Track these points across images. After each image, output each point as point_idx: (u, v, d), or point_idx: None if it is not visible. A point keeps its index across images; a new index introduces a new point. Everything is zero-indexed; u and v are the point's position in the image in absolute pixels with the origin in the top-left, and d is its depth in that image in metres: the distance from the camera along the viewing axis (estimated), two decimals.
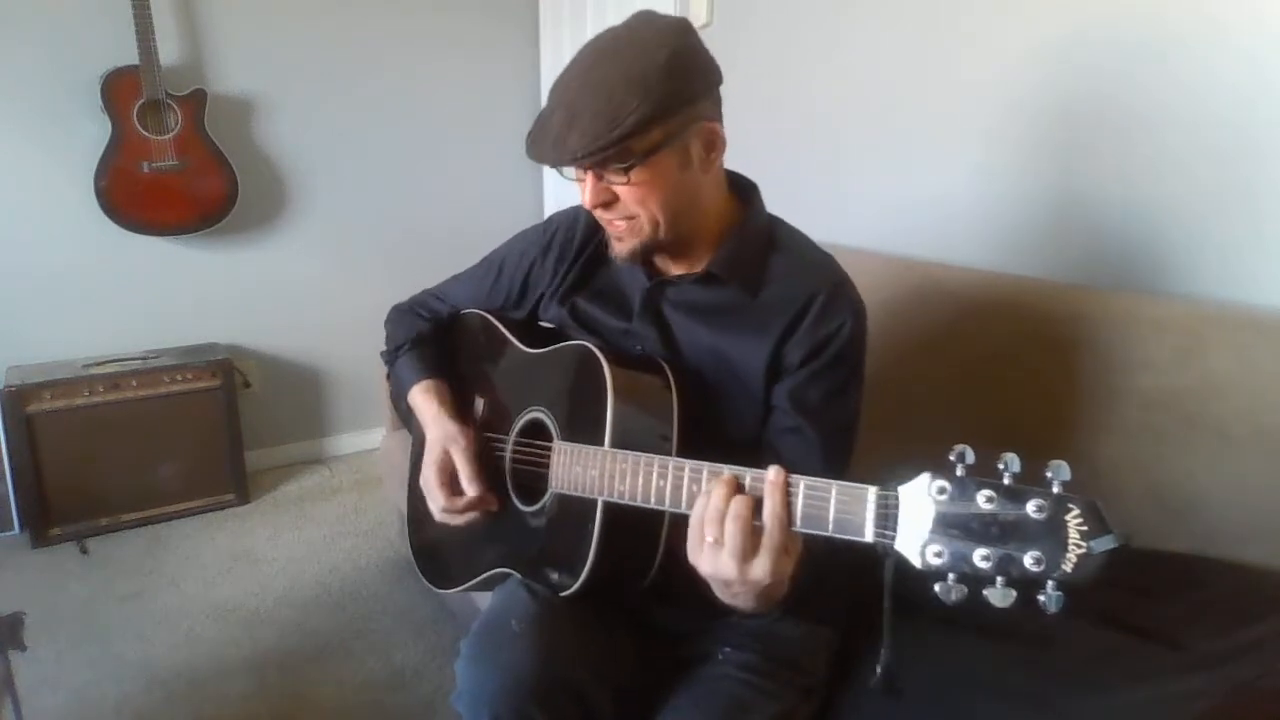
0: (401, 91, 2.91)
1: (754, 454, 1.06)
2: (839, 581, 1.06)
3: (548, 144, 0.97)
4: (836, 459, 1.05)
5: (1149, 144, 1.42)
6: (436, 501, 1.17)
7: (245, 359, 2.79)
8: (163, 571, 2.27)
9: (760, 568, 0.79)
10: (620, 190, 0.99)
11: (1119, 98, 1.46)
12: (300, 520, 2.57)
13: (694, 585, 0.87)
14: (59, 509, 2.39)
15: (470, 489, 1.15)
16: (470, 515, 1.17)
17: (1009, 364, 1.44)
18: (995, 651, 1.00)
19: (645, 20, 1.00)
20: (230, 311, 2.77)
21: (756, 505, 0.80)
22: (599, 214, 1.04)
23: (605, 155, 0.94)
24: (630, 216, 1.02)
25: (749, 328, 1.06)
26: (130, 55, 2.34)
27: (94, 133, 2.40)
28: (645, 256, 1.08)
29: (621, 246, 1.06)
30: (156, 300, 2.66)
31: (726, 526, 0.80)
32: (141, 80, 2.36)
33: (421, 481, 1.21)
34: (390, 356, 1.35)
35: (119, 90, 2.38)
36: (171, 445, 2.51)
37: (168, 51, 2.46)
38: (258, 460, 2.81)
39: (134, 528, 2.48)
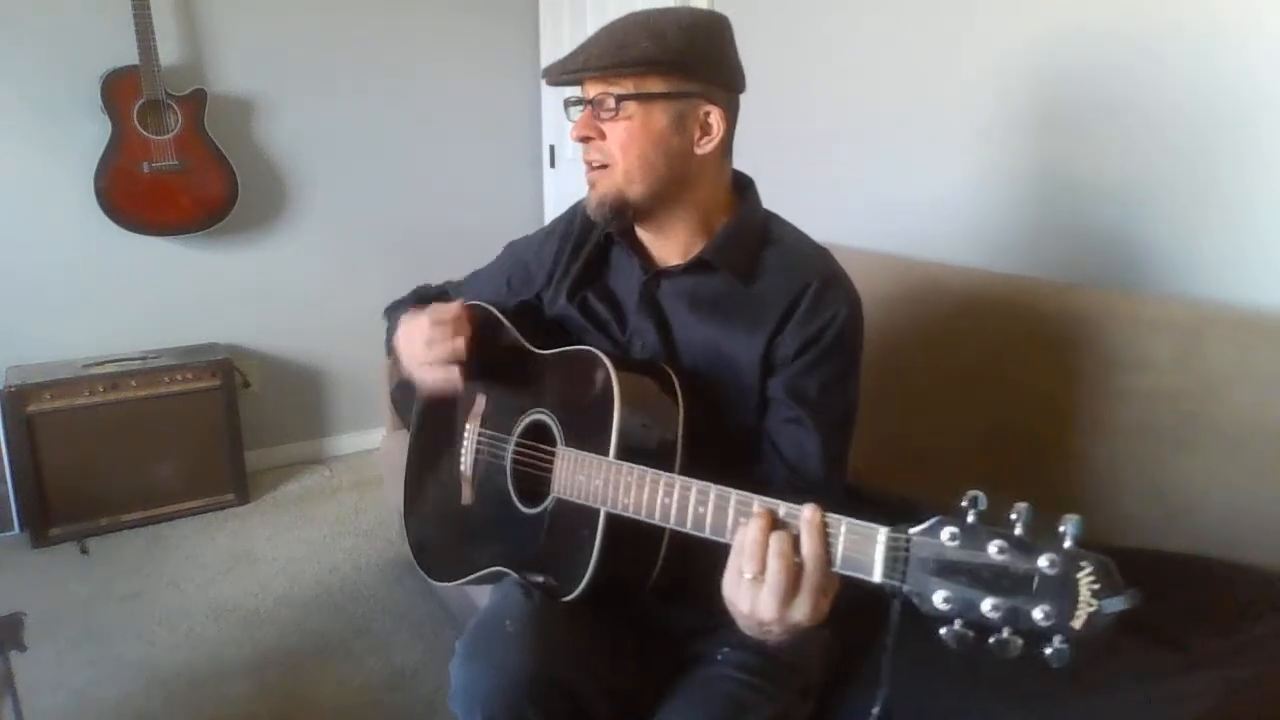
0: (401, 91, 2.91)
1: (751, 446, 1.07)
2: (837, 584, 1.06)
3: (558, 65, 1.04)
4: (836, 450, 1.06)
5: (1149, 144, 1.42)
6: (419, 327, 1.13)
7: (245, 359, 2.79)
8: (163, 571, 2.27)
9: (800, 610, 0.76)
10: (608, 128, 1.03)
11: (1119, 98, 1.46)
12: (300, 520, 2.57)
13: (694, 588, 0.87)
14: (59, 509, 2.39)
15: (449, 310, 1.13)
16: (452, 338, 1.12)
17: (1009, 364, 1.44)
18: None
19: (686, 5, 1.06)
20: (230, 311, 2.77)
21: (796, 541, 0.77)
22: (584, 151, 1.07)
23: (603, 73, 1.00)
24: (607, 163, 1.05)
25: (743, 320, 1.07)
26: (130, 55, 2.35)
27: (94, 133, 2.40)
28: (616, 214, 1.06)
29: (593, 195, 1.08)
30: (156, 300, 2.66)
31: (769, 564, 0.76)
32: (141, 80, 2.37)
33: (399, 336, 1.18)
34: (392, 309, 1.34)
35: (119, 90, 2.38)
36: (171, 445, 2.51)
37: (168, 51, 2.46)
38: (258, 460, 2.81)
39: (134, 528, 2.48)
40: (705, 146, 1.04)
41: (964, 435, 1.47)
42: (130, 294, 2.62)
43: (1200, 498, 1.20)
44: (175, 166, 2.46)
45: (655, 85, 1.00)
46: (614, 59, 0.99)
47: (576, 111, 1.06)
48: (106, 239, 2.50)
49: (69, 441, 2.37)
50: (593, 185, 1.08)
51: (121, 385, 2.43)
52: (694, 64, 1.01)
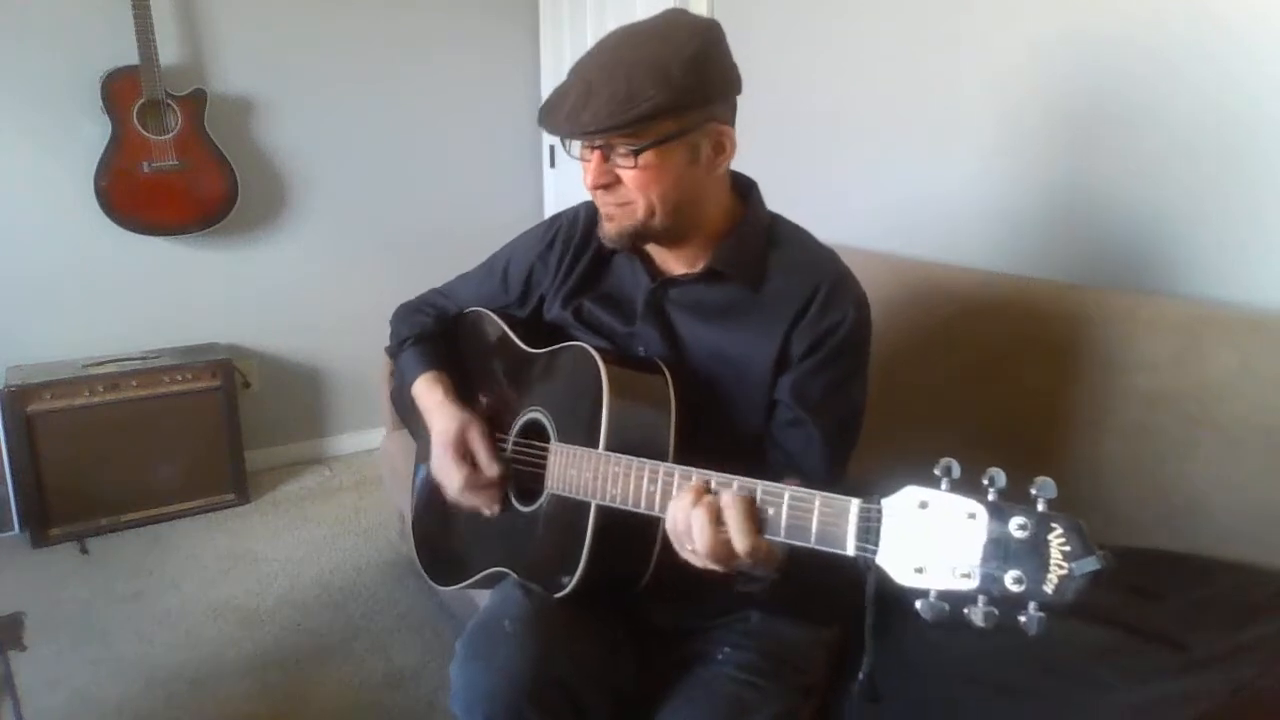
0: (401, 91, 2.91)
1: (759, 451, 1.06)
2: (837, 582, 1.06)
3: (561, 115, 0.98)
4: (838, 452, 1.06)
5: (1150, 144, 1.42)
6: (455, 479, 1.15)
7: (245, 359, 2.79)
8: (163, 571, 2.27)
9: (741, 560, 0.82)
10: (624, 174, 1.00)
11: (1120, 97, 1.46)
12: (300, 520, 2.57)
13: (693, 586, 0.87)
14: (59, 509, 2.38)
15: (490, 469, 1.15)
16: (488, 494, 1.16)
17: (1009, 364, 1.44)
18: (995, 649, 1.00)
19: (677, 15, 1.02)
20: (230, 311, 2.77)
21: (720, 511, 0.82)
22: (597, 195, 1.04)
23: (616, 134, 0.96)
24: (627, 202, 1.02)
25: (753, 325, 1.06)
26: (130, 55, 2.35)
27: (94, 133, 2.40)
28: (634, 241, 1.07)
29: (610, 226, 1.05)
30: (156, 300, 2.66)
31: (695, 536, 0.82)
32: (141, 80, 2.37)
33: (433, 466, 1.19)
34: (395, 351, 1.35)
35: (119, 90, 2.38)
36: (171, 445, 2.51)
37: (168, 51, 2.46)
38: (258, 460, 2.81)
39: (134, 528, 2.48)
40: (720, 166, 1.04)
41: (964, 435, 1.46)
42: (130, 294, 2.62)
43: (1201, 498, 1.20)
44: (175, 166, 2.46)
45: (668, 127, 0.97)
46: (623, 116, 0.93)
47: (576, 148, 1.02)
48: (106, 239, 2.50)
49: (69, 441, 2.36)
50: (610, 218, 1.05)
51: (121, 385, 2.43)
52: (702, 93, 0.97)
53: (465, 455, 1.16)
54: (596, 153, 1.00)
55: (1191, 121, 1.36)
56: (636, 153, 0.97)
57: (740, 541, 0.80)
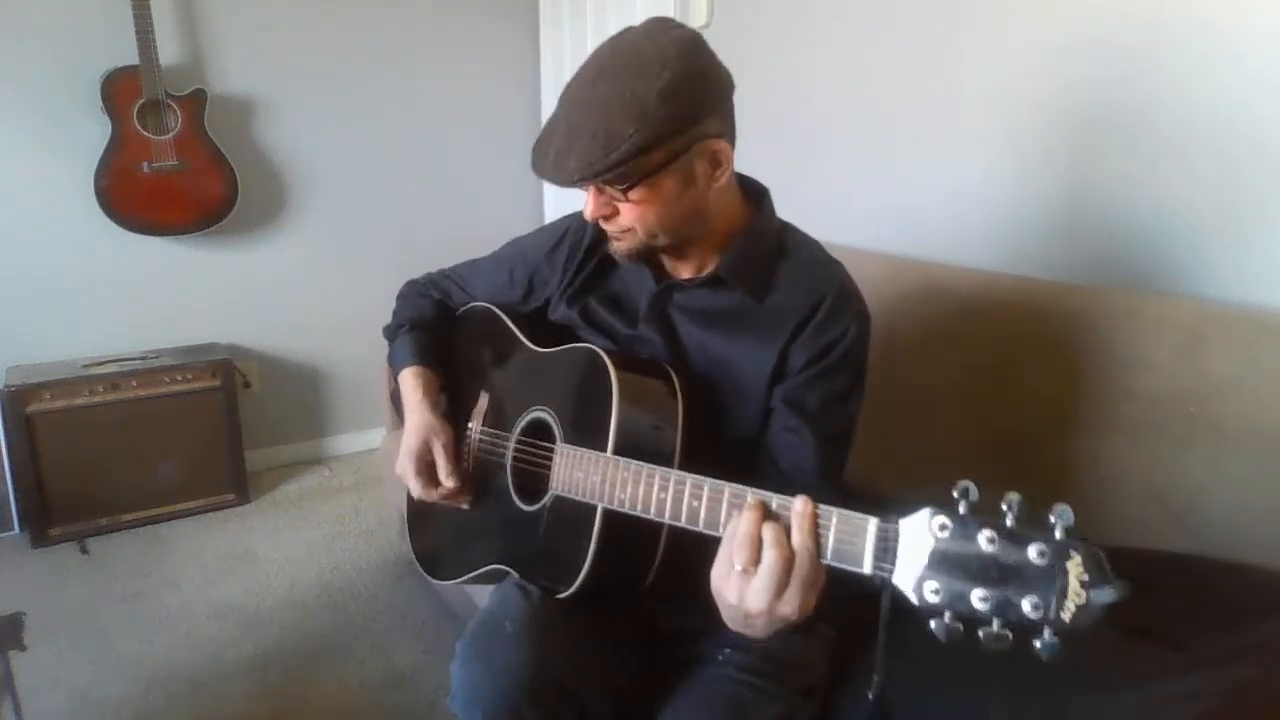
0: (401, 92, 2.91)
1: (754, 458, 1.06)
2: (839, 584, 1.06)
3: (549, 162, 0.98)
4: (832, 464, 1.05)
5: (1151, 145, 1.42)
6: (414, 489, 1.22)
7: (245, 359, 2.79)
8: (163, 571, 2.27)
9: (790, 604, 0.75)
10: (621, 206, 1.00)
11: (1120, 99, 1.46)
12: (300, 520, 2.57)
13: (694, 587, 0.87)
14: (59, 509, 2.38)
15: (448, 482, 1.19)
16: (448, 503, 1.21)
17: (1010, 364, 1.44)
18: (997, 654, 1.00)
19: (658, 29, 0.98)
20: (230, 311, 2.77)
21: (788, 532, 0.76)
22: (600, 223, 1.05)
23: (602, 179, 0.96)
24: (628, 229, 1.03)
25: (755, 334, 1.06)
26: (130, 55, 2.35)
27: (94, 133, 2.40)
28: (644, 257, 1.08)
29: (619, 246, 1.07)
30: (156, 300, 2.66)
31: (765, 555, 0.76)
32: (141, 80, 2.36)
33: (397, 468, 1.23)
34: (391, 333, 1.37)
35: (119, 90, 2.38)
36: (171, 445, 2.51)
37: (168, 51, 2.46)
38: (258, 460, 2.81)
39: (134, 528, 2.48)
40: (720, 179, 1.02)
41: (966, 435, 1.47)
42: (130, 294, 2.62)
43: (1201, 497, 1.20)
44: (175, 166, 2.46)
45: (654, 160, 0.95)
46: (604, 162, 0.92)
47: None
48: (106, 239, 2.50)
49: (69, 441, 2.36)
50: (617, 239, 1.06)
51: (121, 385, 2.42)
52: (686, 117, 0.94)
53: (427, 466, 1.21)
54: (592, 188, 1.00)
55: (1190, 123, 1.36)
56: (626, 190, 0.97)
57: (805, 567, 0.75)
